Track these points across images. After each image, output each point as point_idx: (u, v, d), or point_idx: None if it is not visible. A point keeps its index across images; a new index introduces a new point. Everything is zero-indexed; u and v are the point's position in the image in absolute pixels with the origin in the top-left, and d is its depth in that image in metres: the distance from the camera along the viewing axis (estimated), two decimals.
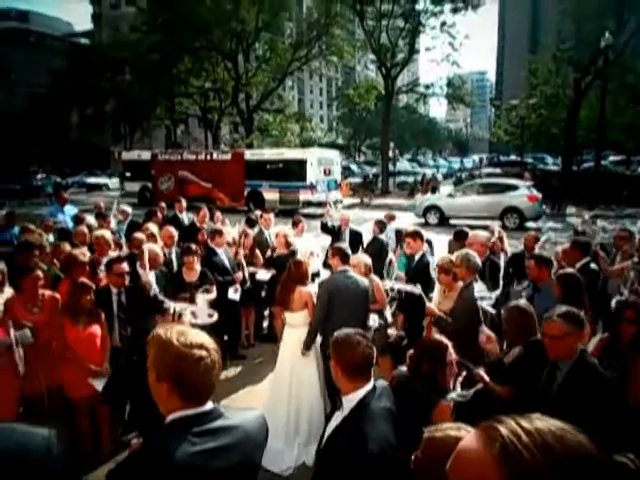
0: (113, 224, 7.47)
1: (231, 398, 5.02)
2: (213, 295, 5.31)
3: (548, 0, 65.32)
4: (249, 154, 21.96)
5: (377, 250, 6.58)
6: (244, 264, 6.39)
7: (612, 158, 34.01)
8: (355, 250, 6.48)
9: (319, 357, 4.33)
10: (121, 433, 4.24)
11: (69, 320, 3.95)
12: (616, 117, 27.60)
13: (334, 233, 7.53)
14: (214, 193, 21.25)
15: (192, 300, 5.04)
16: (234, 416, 1.59)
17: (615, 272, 5.32)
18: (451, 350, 2.71)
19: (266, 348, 6.18)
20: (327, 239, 7.55)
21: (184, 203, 8.54)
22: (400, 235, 7.38)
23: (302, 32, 33.22)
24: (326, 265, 6.13)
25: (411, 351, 2.89)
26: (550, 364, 2.76)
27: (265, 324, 7.00)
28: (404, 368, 2.88)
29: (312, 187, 19.50)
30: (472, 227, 6.85)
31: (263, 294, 6.63)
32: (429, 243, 6.55)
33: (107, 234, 5.68)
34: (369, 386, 2.20)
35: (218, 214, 8.11)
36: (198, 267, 5.46)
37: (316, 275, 6.50)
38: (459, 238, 6.16)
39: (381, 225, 7.18)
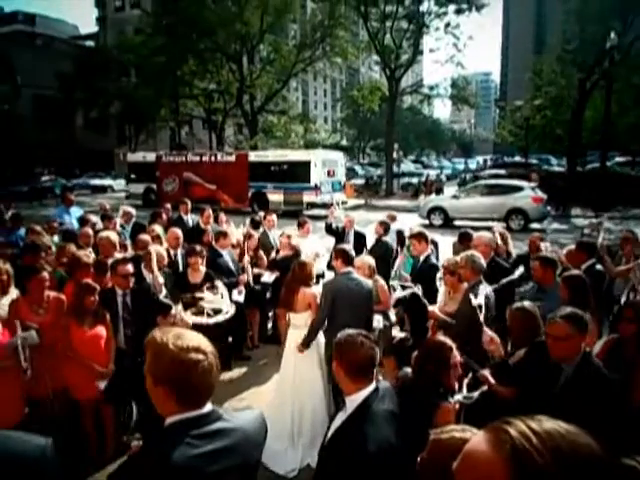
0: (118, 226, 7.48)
1: (235, 399, 5.04)
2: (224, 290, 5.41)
3: (553, 1, 65.07)
4: (253, 156, 21.98)
5: (382, 252, 6.56)
6: (248, 268, 6.39)
7: (618, 159, 33.78)
8: (359, 252, 6.48)
9: (323, 359, 4.33)
10: (128, 435, 4.25)
11: (74, 321, 3.96)
12: (621, 118, 27.44)
13: (338, 234, 7.52)
14: (218, 195, 21.33)
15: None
16: (233, 418, 1.58)
17: (620, 273, 5.30)
18: (455, 352, 2.70)
19: (270, 349, 6.19)
20: (332, 240, 7.54)
21: (189, 205, 8.55)
22: (401, 236, 7.37)
23: (306, 34, 33.28)
24: (330, 266, 6.13)
25: (416, 352, 2.89)
26: (553, 365, 2.75)
27: (269, 325, 7.01)
28: (409, 369, 2.87)
29: (316, 188, 19.50)
30: (476, 229, 6.83)
31: (268, 295, 6.63)
32: (435, 244, 6.53)
33: (112, 235, 5.68)
34: (372, 387, 2.19)
35: (222, 216, 8.10)
36: (203, 268, 5.48)
37: (321, 276, 6.51)
38: (463, 240, 6.13)
39: (385, 226, 7.13)
